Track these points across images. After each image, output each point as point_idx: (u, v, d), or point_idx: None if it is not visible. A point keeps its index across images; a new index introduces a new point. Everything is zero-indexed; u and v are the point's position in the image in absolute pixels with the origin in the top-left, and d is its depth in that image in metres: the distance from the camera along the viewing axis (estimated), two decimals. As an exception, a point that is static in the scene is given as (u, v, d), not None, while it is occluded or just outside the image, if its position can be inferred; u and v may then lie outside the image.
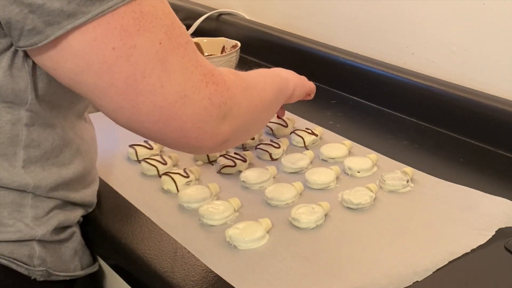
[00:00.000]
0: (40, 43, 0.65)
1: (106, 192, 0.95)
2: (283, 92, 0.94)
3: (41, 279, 0.79)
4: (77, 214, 0.86)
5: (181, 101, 0.68)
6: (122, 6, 0.64)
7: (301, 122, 1.16)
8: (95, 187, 0.90)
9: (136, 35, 0.65)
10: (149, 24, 0.66)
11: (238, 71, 0.83)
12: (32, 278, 0.79)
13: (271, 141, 1.06)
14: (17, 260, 0.77)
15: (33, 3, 0.63)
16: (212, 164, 1.03)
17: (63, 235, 0.83)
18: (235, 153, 1.03)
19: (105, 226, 0.89)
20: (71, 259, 0.84)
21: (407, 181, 0.93)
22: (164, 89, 0.67)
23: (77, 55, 0.65)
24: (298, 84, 0.99)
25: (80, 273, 0.86)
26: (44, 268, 0.79)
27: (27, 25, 0.64)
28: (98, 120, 0.92)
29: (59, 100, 0.76)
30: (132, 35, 0.65)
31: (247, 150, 1.05)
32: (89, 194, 0.88)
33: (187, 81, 0.69)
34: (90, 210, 0.90)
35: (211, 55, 1.40)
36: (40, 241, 0.79)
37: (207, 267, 0.78)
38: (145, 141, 1.05)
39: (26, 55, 0.71)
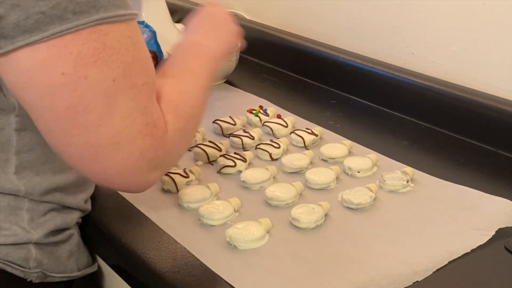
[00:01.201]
0: None
1: (106, 192, 0.95)
2: (215, 75, 0.85)
3: (37, 281, 0.79)
4: (74, 217, 0.86)
5: (112, 146, 0.65)
6: (84, 32, 0.61)
7: (301, 122, 1.16)
8: (89, 193, 0.89)
9: (91, 66, 0.61)
10: (108, 58, 0.62)
11: (173, 87, 0.75)
12: (28, 280, 0.78)
13: (271, 141, 1.06)
14: (12, 263, 0.77)
15: None
16: (212, 164, 1.03)
17: (60, 237, 0.83)
18: (235, 153, 1.02)
19: (105, 226, 0.89)
20: (68, 260, 0.84)
21: (407, 181, 0.93)
22: (99, 129, 0.64)
23: (21, 71, 0.62)
24: (227, 47, 0.89)
25: (77, 273, 0.85)
26: (40, 270, 0.79)
27: None
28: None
29: None
30: (87, 65, 0.61)
31: (247, 150, 1.05)
32: (84, 198, 0.87)
33: (126, 127, 0.65)
34: (87, 212, 0.89)
35: (211, 55, 1.39)
36: (36, 244, 0.79)
37: (207, 267, 0.78)
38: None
39: None
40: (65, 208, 0.83)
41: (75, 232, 0.86)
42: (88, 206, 0.89)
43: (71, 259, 0.85)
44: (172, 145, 0.71)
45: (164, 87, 0.73)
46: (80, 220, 0.88)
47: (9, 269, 0.77)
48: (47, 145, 0.77)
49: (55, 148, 0.68)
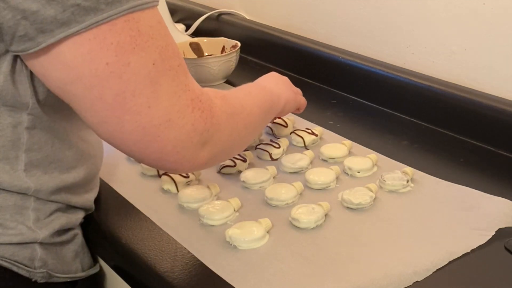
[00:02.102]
0: (31, 50, 0.65)
1: (106, 192, 0.95)
2: (273, 110, 0.94)
3: (42, 281, 0.79)
4: (78, 217, 0.86)
5: (165, 124, 0.68)
6: (119, 21, 0.64)
7: (301, 122, 1.16)
8: (95, 193, 0.90)
9: (131, 53, 0.65)
10: (145, 44, 0.66)
11: (228, 91, 0.83)
12: (33, 280, 0.79)
13: (271, 141, 1.06)
14: (18, 262, 0.77)
15: (27, 9, 0.62)
16: (212, 164, 1.03)
17: (65, 237, 0.83)
18: (235, 153, 1.03)
19: (105, 227, 0.89)
20: (73, 260, 0.84)
21: (407, 181, 0.93)
22: (150, 110, 0.67)
23: (68, 65, 0.65)
24: (289, 100, 1.00)
25: (81, 274, 0.86)
26: (45, 270, 0.79)
27: (19, 31, 0.64)
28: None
29: (62, 104, 0.76)
30: (128, 52, 0.65)
31: (247, 150, 1.05)
32: (89, 198, 0.88)
33: (174, 105, 0.69)
34: (90, 212, 0.90)
35: (211, 55, 1.40)
36: (41, 244, 0.79)
37: (207, 267, 0.78)
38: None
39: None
40: (70, 208, 0.84)
41: (79, 232, 0.87)
42: (93, 206, 0.90)
43: (76, 259, 0.85)
44: (221, 123, 0.75)
45: (222, 92, 0.80)
46: (83, 220, 0.88)
47: (15, 269, 0.77)
48: (55, 144, 0.78)
49: (109, 139, 0.71)
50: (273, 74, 1.03)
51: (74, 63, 0.64)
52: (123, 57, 0.64)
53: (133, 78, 0.65)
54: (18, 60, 0.70)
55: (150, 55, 0.66)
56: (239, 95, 0.86)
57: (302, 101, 1.07)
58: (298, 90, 1.06)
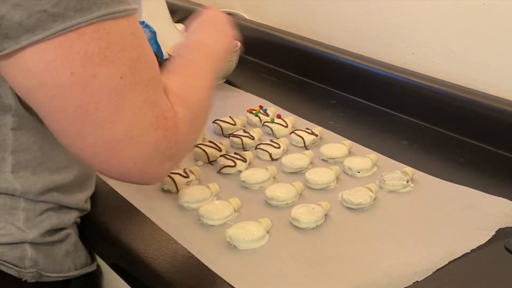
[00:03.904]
0: None
1: (106, 192, 0.95)
2: (217, 71, 0.87)
3: (32, 281, 0.79)
4: (71, 216, 0.85)
5: (127, 140, 0.66)
6: (87, 30, 0.61)
7: (301, 122, 1.16)
8: (89, 192, 0.89)
9: (98, 65, 0.62)
10: (114, 56, 0.63)
11: (182, 80, 0.78)
12: (23, 279, 0.78)
13: (271, 141, 1.06)
14: (7, 262, 0.77)
15: None
16: (212, 164, 1.03)
17: (56, 237, 0.83)
18: (235, 153, 1.03)
19: (105, 226, 0.89)
20: (64, 259, 0.84)
21: (407, 181, 0.93)
22: (113, 125, 0.65)
23: (30, 73, 0.62)
24: (227, 50, 0.93)
25: (74, 273, 0.85)
26: (35, 270, 0.79)
27: None
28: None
29: None
30: (95, 64, 0.62)
31: (247, 150, 1.05)
32: (82, 198, 0.87)
33: (138, 121, 0.66)
34: (85, 212, 0.89)
35: (211, 55, 1.39)
36: (32, 243, 0.79)
37: (207, 267, 0.78)
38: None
39: None
40: (62, 208, 0.83)
41: (72, 232, 0.86)
42: (88, 206, 0.89)
43: (67, 258, 0.84)
44: (184, 136, 0.72)
45: (172, 82, 0.74)
46: (78, 220, 0.88)
47: (4, 269, 0.77)
48: (44, 144, 0.77)
49: (69, 148, 0.69)
50: (209, 19, 0.94)
51: (36, 71, 0.62)
52: (89, 68, 0.62)
53: (98, 91, 0.63)
54: None
55: (118, 68, 0.63)
56: (192, 80, 0.79)
57: (235, 43, 1.00)
58: (231, 29, 0.95)
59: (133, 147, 0.67)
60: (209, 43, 0.87)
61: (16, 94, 0.71)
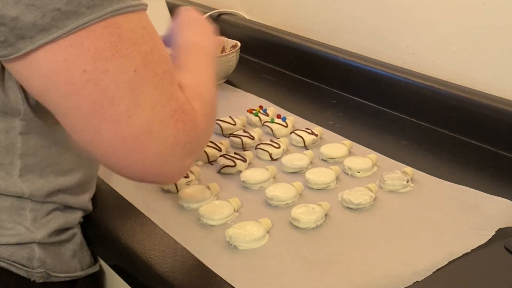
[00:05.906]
0: (11, 56, 0.62)
1: (106, 192, 0.95)
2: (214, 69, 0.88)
3: (41, 281, 0.79)
4: (76, 216, 0.86)
5: (145, 136, 0.65)
6: (98, 26, 0.61)
7: (301, 122, 1.16)
8: (91, 193, 0.90)
9: (110, 60, 0.61)
10: (126, 50, 0.62)
11: (192, 77, 0.77)
12: (32, 280, 0.79)
13: (271, 141, 1.06)
14: (16, 263, 0.77)
15: (6, 15, 0.60)
16: (212, 164, 1.03)
17: (63, 237, 0.83)
18: (235, 153, 1.03)
19: (105, 226, 0.89)
20: (71, 259, 0.84)
21: (407, 181, 0.93)
22: (130, 120, 0.64)
23: (43, 73, 0.62)
24: (215, 46, 0.94)
25: (80, 273, 0.86)
26: (43, 270, 0.79)
27: None
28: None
29: None
30: (106, 59, 0.61)
31: (247, 150, 1.05)
32: (86, 199, 0.88)
33: (156, 115, 0.65)
34: (88, 212, 0.90)
35: (211, 55, 1.40)
36: (40, 243, 0.79)
37: (207, 267, 0.78)
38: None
39: None
40: (68, 208, 0.84)
41: (78, 232, 0.87)
42: (91, 206, 0.90)
43: (74, 258, 0.85)
44: (202, 130, 0.72)
45: (185, 78, 0.73)
46: (82, 220, 0.88)
47: (13, 269, 0.77)
48: (51, 148, 0.77)
49: (86, 147, 0.68)
50: (189, 19, 0.92)
51: (48, 72, 0.62)
52: (101, 64, 0.61)
53: (111, 86, 0.62)
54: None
55: (131, 61, 0.63)
56: (202, 76, 0.79)
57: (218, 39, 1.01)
58: (211, 27, 0.95)
59: (152, 142, 0.66)
60: (201, 43, 0.87)
61: (25, 98, 0.71)
